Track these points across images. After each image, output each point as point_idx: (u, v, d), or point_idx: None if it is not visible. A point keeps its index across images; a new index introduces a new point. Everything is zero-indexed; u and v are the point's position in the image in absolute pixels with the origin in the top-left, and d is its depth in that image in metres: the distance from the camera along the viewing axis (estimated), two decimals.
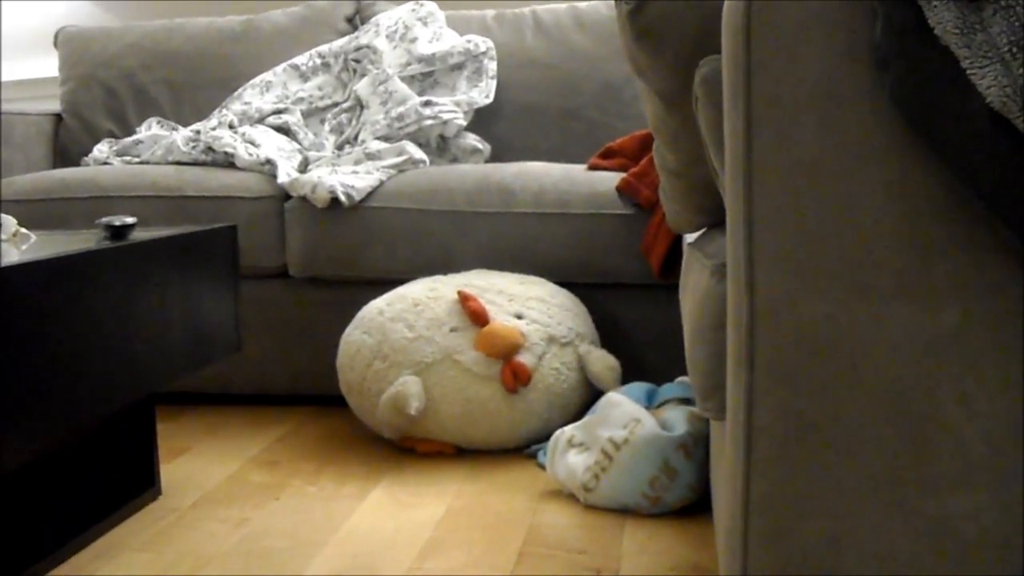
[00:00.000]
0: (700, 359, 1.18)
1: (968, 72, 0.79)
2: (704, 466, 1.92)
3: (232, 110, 3.16)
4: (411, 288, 2.37)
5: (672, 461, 1.90)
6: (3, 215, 1.90)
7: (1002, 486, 0.92)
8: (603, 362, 2.31)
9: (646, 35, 1.27)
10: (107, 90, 3.47)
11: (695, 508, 1.95)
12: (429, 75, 3.17)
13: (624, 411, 2.00)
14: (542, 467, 2.22)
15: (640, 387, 2.18)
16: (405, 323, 2.27)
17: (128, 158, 3.14)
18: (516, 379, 2.22)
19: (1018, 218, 0.82)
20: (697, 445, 1.92)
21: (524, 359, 2.24)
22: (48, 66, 3.79)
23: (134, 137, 3.22)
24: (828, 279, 0.92)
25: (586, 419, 2.06)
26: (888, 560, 0.94)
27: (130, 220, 1.87)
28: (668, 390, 2.16)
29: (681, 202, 1.52)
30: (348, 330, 2.38)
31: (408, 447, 2.34)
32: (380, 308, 2.33)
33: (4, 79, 4.09)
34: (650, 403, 2.13)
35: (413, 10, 3.29)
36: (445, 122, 2.98)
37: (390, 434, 2.31)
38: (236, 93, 3.28)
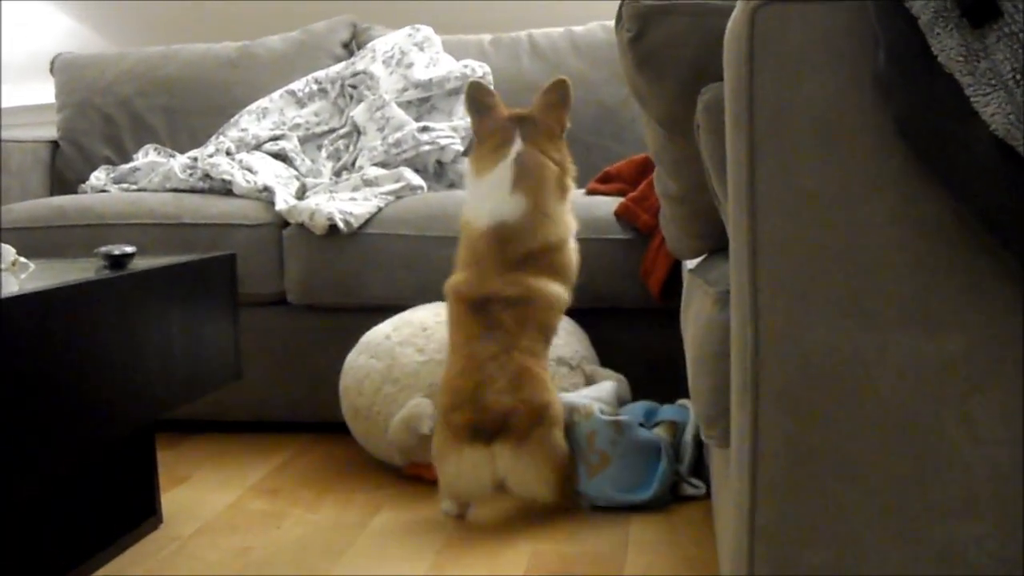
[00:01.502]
0: (704, 387, 1.18)
1: (972, 100, 0.79)
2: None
3: (229, 136, 3.16)
4: (416, 313, 2.37)
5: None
6: (2, 244, 1.90)
7: (1007, 512, 0.92)
8: (613, 377, 2.31)
9: (647, 62, 1.27)
10: (104, 117, 3.47)
11: (699, 541, 1.95)
12: (426, 100, 3.17)
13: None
14: None
15: (641, 405, 2.21)
16: (414, 347, 2.26)
17: (125, 185, 3.14)
18: None
19: (1021, 244, 0.83)
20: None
21: None
22: (45, 92, 3.78)
23: (131, 164, 3.22)
24: (832, 306, 0.92)
25: None
26: None
27: (129, 249, 1.87)
28: (667, 411, 2.18)
29: (682, 228, 1.52)
30: (352, 356, 2.37)
31: (415, 475, 2.31)
32: (386, 333, 2.32)
33: (0, 105, 4.08)
34: (648, 420, 2.15)
35: (409, 35, 3.30)
36: (442, 147, 2.98)
37: (399, 459, 2.29)
38: (233, 119, 3.27)
